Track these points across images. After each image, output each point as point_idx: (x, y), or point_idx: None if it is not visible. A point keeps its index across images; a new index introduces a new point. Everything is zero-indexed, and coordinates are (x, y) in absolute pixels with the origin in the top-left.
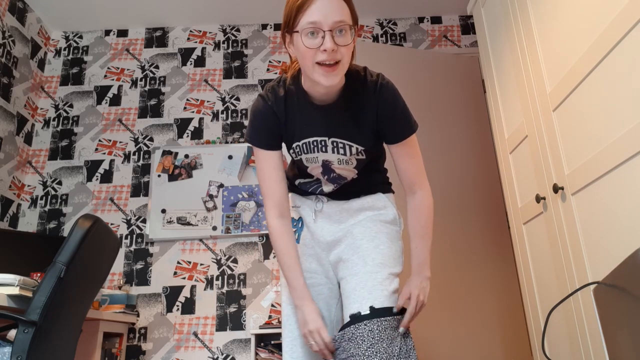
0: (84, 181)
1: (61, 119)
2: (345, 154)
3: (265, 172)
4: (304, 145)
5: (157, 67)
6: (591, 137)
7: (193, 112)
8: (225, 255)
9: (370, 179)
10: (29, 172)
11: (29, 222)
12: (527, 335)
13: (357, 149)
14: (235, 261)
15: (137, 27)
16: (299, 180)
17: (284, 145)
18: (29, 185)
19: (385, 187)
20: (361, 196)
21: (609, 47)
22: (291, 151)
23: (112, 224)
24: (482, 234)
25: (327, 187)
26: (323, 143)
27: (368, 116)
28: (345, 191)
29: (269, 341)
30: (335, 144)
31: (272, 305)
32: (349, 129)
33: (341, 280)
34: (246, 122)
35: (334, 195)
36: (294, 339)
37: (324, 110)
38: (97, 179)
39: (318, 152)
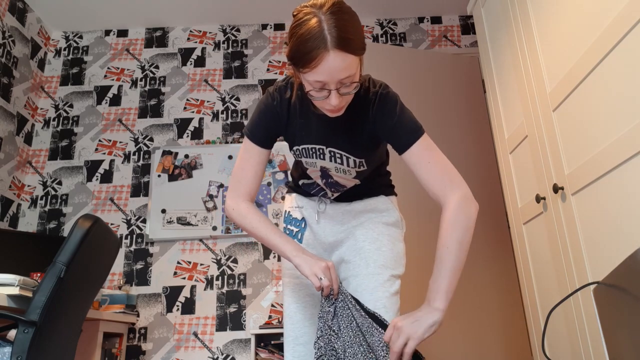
0: (84, 181)
1: (61, 119)
2: (342, 164)
3: (247, 163)
4: (304, 150)
5: (157, 67)
6: (591, 137)
7: (193, 112)
8: (225, 255)
9: (373, 183)
10: (29, 172)
11: (29, 222)
12: (527, 335)
13: (354, 161)
14: (235, 261)
15: (137, 27)
16: (302, 181)
17: (286, 145)
18: (29, 185)
19: (388, 189)
20: (364, 199)
21: (609, 47)
22: (292, 152)
23: (112, 224)
24: (482, 234)
25: (329, 193)
26: (321, 151)
27: (367, 129)
28: (348, 194)
29: (269, 341)
30: (332, 153)
31: (272, 305)
32: (347, 141)
33: (343, 281)
34: (246, 122)
35: (337, 197)
36: (295, 338)
37: (324, 120)
38: (97, 179)
39: (316, 158)
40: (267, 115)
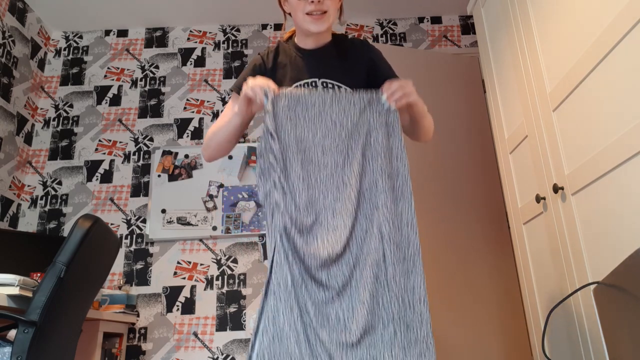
0: (84, 181)
1: (61, 119)
2: None
3: (229, 111)
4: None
5: (157, 67)
6: (591, 137)
7: (193, 112)
8: (225, 255)
9: None
10: (29, 172)
11: (29, 222)
12: (527, 335)
13: (345, 90)
14: (235, 261)
15: (137, 27)
16: None
17: None
18: (29, 185)
19: None
20: None
21: (609, 47)
22: None
23: (112, 224)
24: (482, 234)
25: None
26: (314, 84)
27: (358, 63)
28: None
29: None
30: (325, 84)
31: None
32: (338, 70)
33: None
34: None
35: None
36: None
37: (313, 55)
38: (97, 179)
39: None
40: (254, 69)
